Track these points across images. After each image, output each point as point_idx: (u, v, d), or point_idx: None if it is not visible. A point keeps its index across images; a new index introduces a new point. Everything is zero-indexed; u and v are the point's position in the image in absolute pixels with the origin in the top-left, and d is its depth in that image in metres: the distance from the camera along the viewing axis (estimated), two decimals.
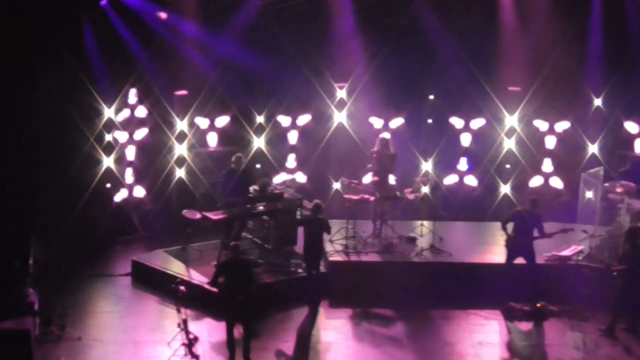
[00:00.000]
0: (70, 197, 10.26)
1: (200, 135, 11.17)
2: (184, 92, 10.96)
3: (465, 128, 11.51)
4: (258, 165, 10.92)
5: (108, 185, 10.57)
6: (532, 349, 8.33)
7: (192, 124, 10.94)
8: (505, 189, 11.28)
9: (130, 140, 10.62)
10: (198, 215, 9.60)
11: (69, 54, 9.62)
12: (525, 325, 8.87)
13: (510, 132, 11.28)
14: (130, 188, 10.67)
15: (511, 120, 11.25)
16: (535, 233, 8.28)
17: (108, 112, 10.50)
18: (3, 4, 8.73)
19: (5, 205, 8.57)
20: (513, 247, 8.41)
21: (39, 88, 9.44)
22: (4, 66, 9.01)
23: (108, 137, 10.60)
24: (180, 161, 11.02)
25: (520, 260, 8.48)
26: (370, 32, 11.52)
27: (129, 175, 10.69)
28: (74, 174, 10.23)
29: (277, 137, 11.46)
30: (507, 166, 11.73)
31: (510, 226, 8.48)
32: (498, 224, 9.10)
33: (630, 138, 11.27)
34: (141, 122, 10.73)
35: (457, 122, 11.58)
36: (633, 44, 10.85)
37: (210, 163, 11.19)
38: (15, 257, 8.41)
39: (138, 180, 10.76)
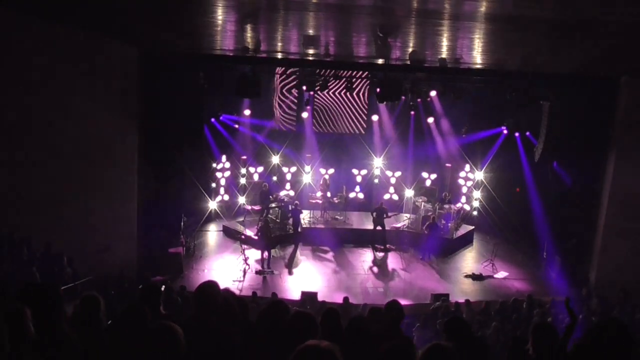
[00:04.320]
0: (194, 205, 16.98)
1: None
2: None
3: None
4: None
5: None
6: (382, 262, 15.76)
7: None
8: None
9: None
10: (250, 208, 17.55)
11: (197, 142, 16.79)
12: (381, 255, 16.14)
13: None
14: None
15: None
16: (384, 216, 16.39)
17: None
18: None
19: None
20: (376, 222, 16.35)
21: (182, 157, 15.80)
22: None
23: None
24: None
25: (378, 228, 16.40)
26: None
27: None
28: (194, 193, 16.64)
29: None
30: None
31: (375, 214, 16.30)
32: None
33: None
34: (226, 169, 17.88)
35: None
36: None
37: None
38: (178, 225, 15.36)
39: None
